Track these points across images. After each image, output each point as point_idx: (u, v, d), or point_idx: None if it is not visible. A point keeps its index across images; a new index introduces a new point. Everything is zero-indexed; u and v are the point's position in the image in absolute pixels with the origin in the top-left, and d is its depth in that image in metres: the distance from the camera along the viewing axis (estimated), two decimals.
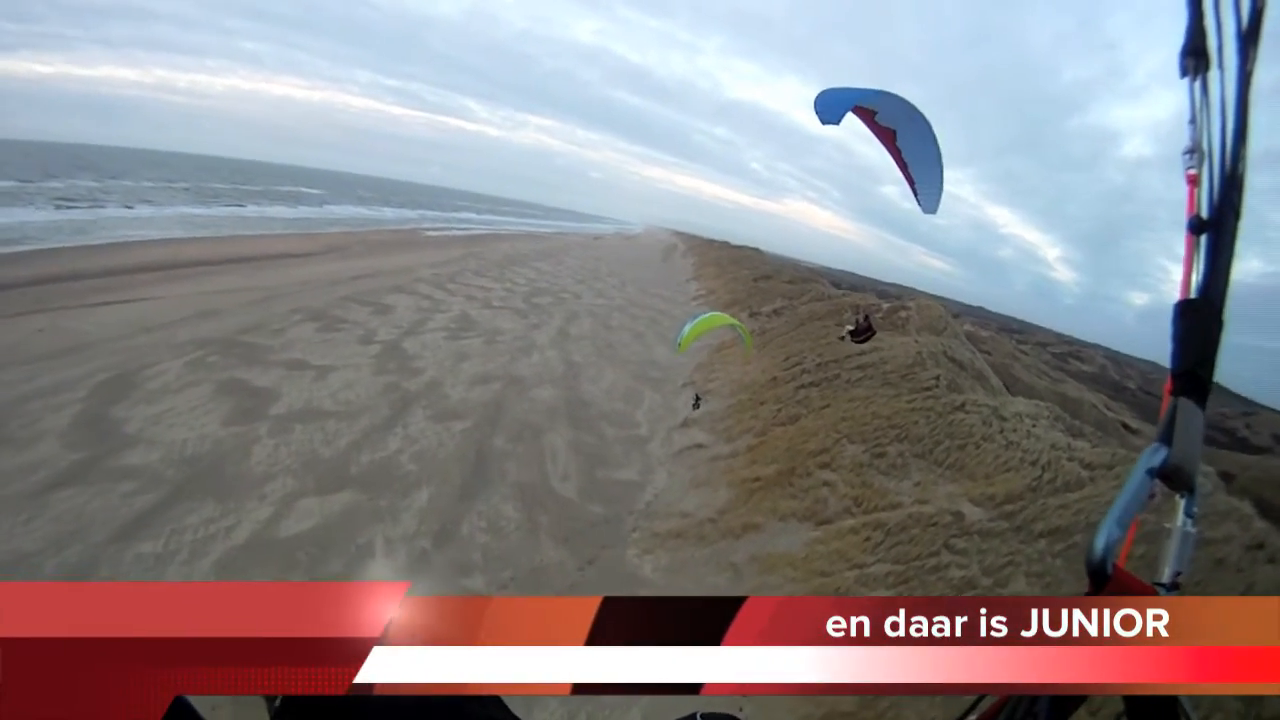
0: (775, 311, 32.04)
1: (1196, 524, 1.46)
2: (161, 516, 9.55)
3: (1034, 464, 11.03)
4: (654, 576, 10.07)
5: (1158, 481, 1.43)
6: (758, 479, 12.70)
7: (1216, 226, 1.48)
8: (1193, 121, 1.56)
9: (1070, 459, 10.64)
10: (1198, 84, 1.54)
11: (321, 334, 19.46)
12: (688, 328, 16.97)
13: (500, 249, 58.44)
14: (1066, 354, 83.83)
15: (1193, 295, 1.49)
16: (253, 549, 9.19)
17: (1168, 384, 1.50)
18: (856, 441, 12.94)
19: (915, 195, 8.09)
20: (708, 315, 19.20)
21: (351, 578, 8.76)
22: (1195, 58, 1.54)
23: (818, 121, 6.77)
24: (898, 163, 7.85)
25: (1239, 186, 1.48)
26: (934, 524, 9.89)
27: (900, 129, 7.56)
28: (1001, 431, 12.17)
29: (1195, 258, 1.51)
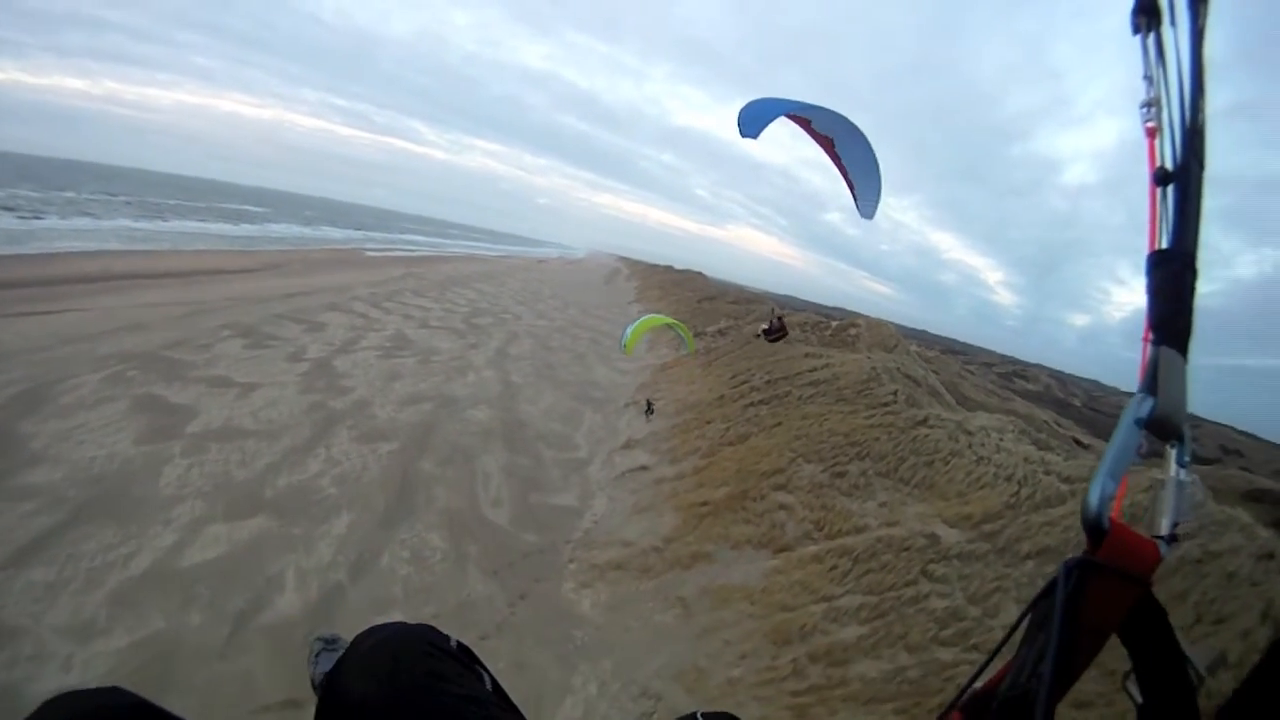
0: (720, 331, 32.15)
1: (1190, 472, 1.40)
2: (59, 541, 8.78)
3: (1009, 479, 10.37)
4: (592, 614, 9.24)
5: (1145, 432, 1.34)
6: (706, 503, 11.85)
7: (1181, 176, 1.44)
8: (1147, 77, 1.54)
9: (1046, 472, 10.02)
10: (1150, 40, 1.54)
11: (249, 350, 18.81)
12: (630, 330, 16.57)
13: (442, 270, 58.68)
14: (1011, 373, 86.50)
15: (1162, 246, 1.44)
16: (150, 580, 8.40)
17: (1145, 333, 1.42)
18: (813, 461, 12.15)
19: (855, 200, 8.44)
20: (648, 317, 19.17)
21: (258, 615, 8.10)
22: (1147, 15, 1.54)
23: (744, 137, 6.92)
24: (838, 167, 8.20)
25: (1200, 135, 1.44)
26: (907, 548, 9.07)
27: (838, 137, 7.87)
28: (969, 446, 11.49)
29: (1162, 210, 1.46)
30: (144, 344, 17.39)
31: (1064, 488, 9.61)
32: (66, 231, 42.21)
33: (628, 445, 16.38)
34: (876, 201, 8.31)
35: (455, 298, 38.58)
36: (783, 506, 11.03)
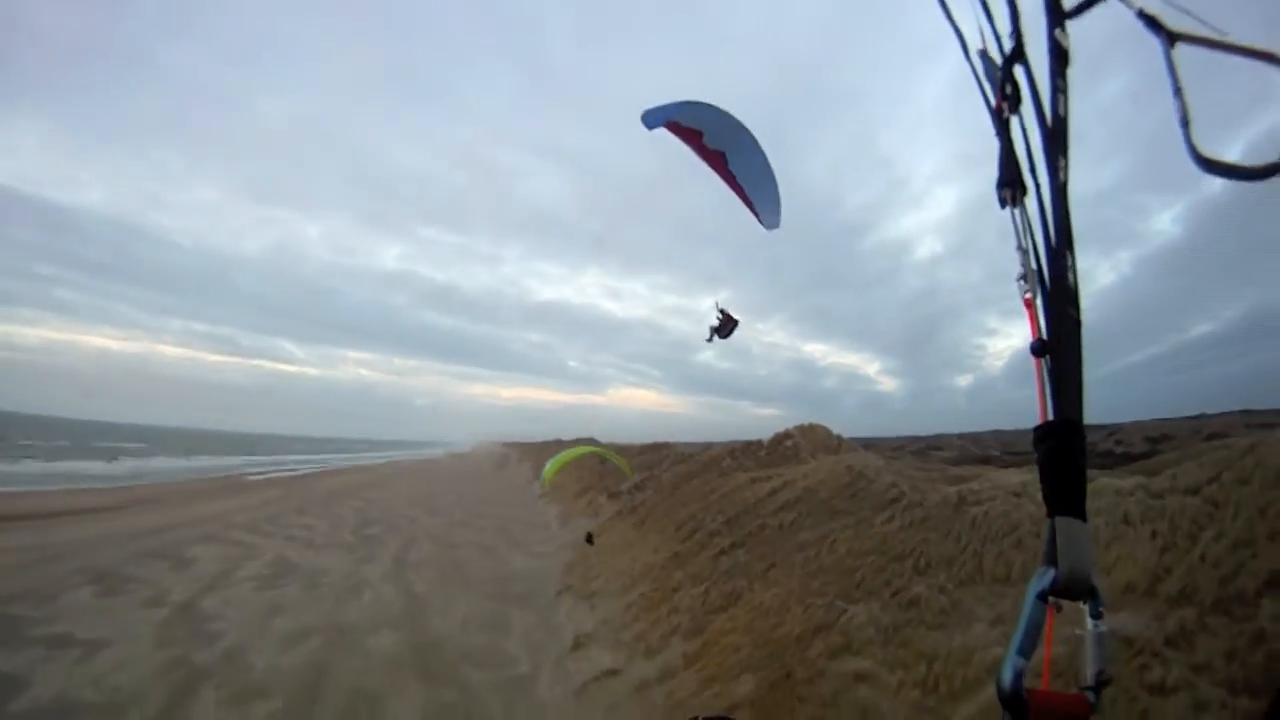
0: (636, 486, 30.74)
1: (1105, 623, 1.42)
2: None
3: (1126, 521, 8.10)
4: None
5: (1054, 600, 1.41)
6: (734, 708, 8.52)
7: (1057, 346, 1.48)
8: (1020, 248, 1.59)
9: (1153, 495, 7.99)
10: (1018, 211, 1.60)
11: (101, 599, 16.61)
12: (549, 464, 17.00)
13: (326, 485, 57.40)
14: (924, 449, 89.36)
15: (1049, 418, 1.47)
16: None
17: (1045, 509, 1.45)
18: (860, 598, 9.15)
19: (756, 215, 8.19)
20: (567, 451, 19.39)
21: None
22: (1011, 188, 1.59)
23: (648, 128, 6.72)
24: (731, 185, 7.95)
25: (1074, 300, 1.48)
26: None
27: (729, 150, 7.61)
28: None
29: (1044, 379, 1.49)
30: None
31: (1193, 500, 7.37)
32: None
33: (579, 644, 13.73)
34: (777, 208, 8.14)
35: (342, 510, 36.82)
36: (859, 677, 7.73)
